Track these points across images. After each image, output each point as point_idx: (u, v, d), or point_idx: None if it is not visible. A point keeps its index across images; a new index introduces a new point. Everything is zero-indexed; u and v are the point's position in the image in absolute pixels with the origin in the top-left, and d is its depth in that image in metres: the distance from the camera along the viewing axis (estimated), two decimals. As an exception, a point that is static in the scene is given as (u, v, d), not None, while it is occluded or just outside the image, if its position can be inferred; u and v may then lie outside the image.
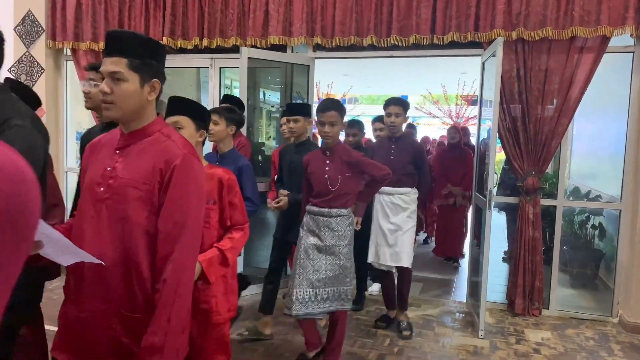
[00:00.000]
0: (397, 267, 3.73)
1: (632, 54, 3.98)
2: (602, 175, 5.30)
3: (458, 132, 5.90)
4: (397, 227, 3.64)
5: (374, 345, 3.49)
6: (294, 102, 4.68)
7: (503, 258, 5.82)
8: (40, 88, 5.28)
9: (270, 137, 5.44)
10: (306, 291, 2.83)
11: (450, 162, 5.82)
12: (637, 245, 3.90)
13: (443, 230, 6.06)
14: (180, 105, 2.14)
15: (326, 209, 2.90)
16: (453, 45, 4.22)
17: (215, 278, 2.06)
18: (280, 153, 3.77)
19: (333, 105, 3.02)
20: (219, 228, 2.15)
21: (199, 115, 2.15)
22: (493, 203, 3.75)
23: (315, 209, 2.94)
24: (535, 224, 4.11)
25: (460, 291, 4.83)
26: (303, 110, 3.60)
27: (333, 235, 2.90)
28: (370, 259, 3.74)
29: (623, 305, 4.06)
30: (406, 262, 3.64)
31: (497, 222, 5.37)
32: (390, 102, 3.72)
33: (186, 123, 2.10)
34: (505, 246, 5.90)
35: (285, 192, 3.46)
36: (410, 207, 3.68)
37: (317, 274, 2.86)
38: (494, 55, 3.67)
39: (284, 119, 3.83)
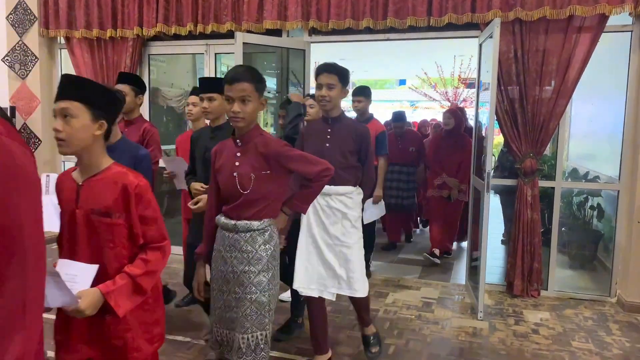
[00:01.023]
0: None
1: (630, 33, 3.95)
2: (601, 156, 5.30)
3: (453, 117, 5.15)
4: (338, 241, 2.76)
5: (373, 329, 3.51)
6: (206, 77, 4.20)
7: (502, 240, 5.85)
8: (34, 77, 5.25)
9: (267, 124, 5.42)
10: (222, 332, 2.16)
11: (446, 150, 5.16)
12: (635, 226, 3.91)
13: (432, 223, 5.46)
14: (72, 87, 1.67)
15: (232, 221, 2.11)
16: (450, 27, 4.18)
17: (125, 311, 1.68)
18: (191, 139, 3.02)
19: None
20: (130, 247, 1.74)
21: (98, 101, 1.68)
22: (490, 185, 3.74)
23: (222, 220, 2.15)
24: (534, 206, 4.11)
25: (459, 274, 4.85)
26: (220, 86, 2.61)
27: (241, 259, 2.09)
28: (297, 284, 2.76)
29: (621, 285, 4.08)
30: (361, 290, 2.79)
31: (492, 205, 5.37)
32: (321, 69, 2.74)
33: (78, 111, 1.64)
34: (501, 229, 5.93)
35: (200, 185, 2.81)
36: (353, 212, 2.79)
37: (229, 311, 2.12)
38: (491, 37, 3.64)
39: (193, 98, 3.43)
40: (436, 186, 5.22)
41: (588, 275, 4.84)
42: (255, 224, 2.10)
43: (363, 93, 4.50)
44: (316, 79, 2.76)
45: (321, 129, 2.86)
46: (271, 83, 5.21)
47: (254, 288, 2.08)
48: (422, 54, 7.80)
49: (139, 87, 3.45)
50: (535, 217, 4.12)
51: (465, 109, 7.40)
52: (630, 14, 3.82)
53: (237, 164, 2.12)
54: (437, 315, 3.79)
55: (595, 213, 5.00)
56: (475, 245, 4.07)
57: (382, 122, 6.32)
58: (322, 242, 2.77)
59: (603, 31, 3.86)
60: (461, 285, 4.50)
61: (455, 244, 5.72)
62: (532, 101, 4.02)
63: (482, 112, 4.30)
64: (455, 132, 5.16)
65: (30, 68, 5.24)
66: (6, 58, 5.25)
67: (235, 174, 2.11)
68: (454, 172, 5.11)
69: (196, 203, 2.75)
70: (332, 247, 2.76)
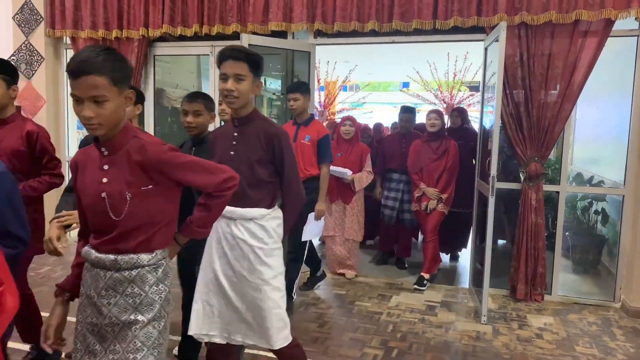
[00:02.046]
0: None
1: (636, 37, 3.95)
2: (605, 161, 5.28)
3: (441, 118, 4.58)
4: (245, 280, 2.13)
5: (377, 331, 3.51)
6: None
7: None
8: (40, 77, 5.27)
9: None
10: None
11: (428, 156, 4.53)
12: (640, 231, 3.90)
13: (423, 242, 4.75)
14: None
15: (110, 256, 1.56)
16: (455, 30, 4.18)
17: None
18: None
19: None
20: None
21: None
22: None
23: (94, 254, 1.59)
24: (538, 210, 4.10)
25: (463, 277, 4.84)
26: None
27: (125, 305, 1.56)
28: (194, 329, 2.21)
29: (625, 290, 4.06)
30: (278, 340, 2.16)
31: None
32: (225, 55, 2.09)
33: None
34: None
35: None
36: (264, 243, 2.14)
37: None
38: (496, 40, 3.63)
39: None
40: (416, 199, 4.60)
41: (592, 280, 4.82)
42: (144, 257, 1.58)
43: (299, 89, 3.84)
44: (219, 67, 2.12)
45: (227, 134, 2.23)
46: (276, 84, 5.22)
47: (139, 344, 1.54)
48: (420, 56, 7.78)
49: (10, 75, 2.55)
50: (539, 222, 4.11)
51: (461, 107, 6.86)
52: (636, 18, 3.81)
53: (103, 180, 1.55)
54: (441, 319, 3.78)
55: (599, 218, 4.98)
56: (479, 250, 4.06)
57: (389, 124, 6.18)
58: (225, 278, 2.16)
59: (609, 36, 3.86)
60: (465, 288, 4.49)
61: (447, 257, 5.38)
62: (537, 105, 4.01)
63: (486, 114, 4.30)
64: (440, 134, 4.54)
65: (36, 68, 5.26)
66: (12, 58, 5.27)
67: (103, 194, 1.54)
68: (435, 180, 4.49)
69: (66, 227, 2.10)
70: (237, 287, 2.15)
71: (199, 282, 2.22)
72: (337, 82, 10.01)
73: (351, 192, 4.55)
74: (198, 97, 2.71)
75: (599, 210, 4.97)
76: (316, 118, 4.14)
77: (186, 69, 6.87)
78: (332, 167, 4.18)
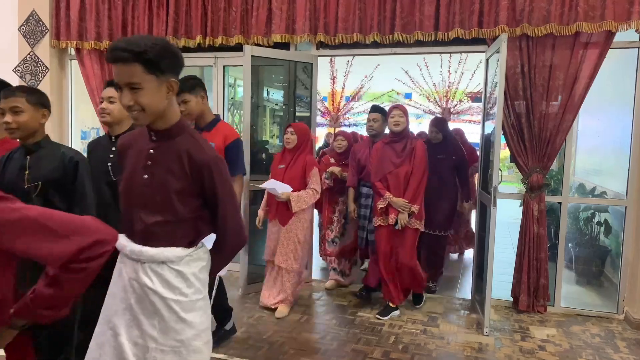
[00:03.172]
0: None
1: (637, 49, 3.96)
2: (608, 172, 5.28)
3: (405, 117, 3.91)
4: (154, 343, 1.63)
5: (378, 343, 3.49)
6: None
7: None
8: (44, 87, 5.30)
9: (274, 135, 5.44)
10: None
11: (391, 160, 3.89)
12: (642, 242, 3.88)
13: (380, 266, 3.97)
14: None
15: None
16: (456, 41, 4.20)
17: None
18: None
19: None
20: None
21: None
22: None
23: None
24: (540, 221, 4.09)
25: (465, 288, 4.83)
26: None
27: None
28: None
29: (629, 302, 4.04)
30: None
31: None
32: (114, 52, 1.53)
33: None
34: (505, 243, 5.89)
35: None
36: (186, 293, 1.67)
37: None
38: (497, 52, 3.65)
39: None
40: (379, 211, 3.90)
41: (595, 291, 4.80)
42: None
43: (186, 88, 3.05)
44: (110, 60, 1.56)
45: (141, 146, 1.70)
46: (279, 96, 5.25)
47: None
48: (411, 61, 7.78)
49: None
50: (541, 232, 4.10)
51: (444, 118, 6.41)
52: (636, 30, 3.83)
53: None
54: (443, 330, 3.77)
55: (602, 229, 4.97)
56: (481, 260, 4.05)
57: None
58: (129, 341, 1.63)
59: (610, 47, 3.87)
60: (467, 299, 4.47)
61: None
62: (538, 116, 4.02)
63: (488, 125, 4.31)
64: (404, 134, 3.93)
65: (41, 78, 5.30)
66: (17, 68, 5.32)
67: None
68: (402, 188, 3.84)
69: None
70: (143, 353, 1.62)
71: (92, 342, 1.68)
72: (341, 93, 10.01)
73: (289, 212, 3.85)
74: (16, 90, 2.27)
75: (602, 221, 4.96)
76: (222, 120, 3.34)
77: (189, 79, 6.90)
78: (271, 181, 3.85)
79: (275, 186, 3.79)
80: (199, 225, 1.70)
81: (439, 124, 4.81)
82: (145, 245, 1.63)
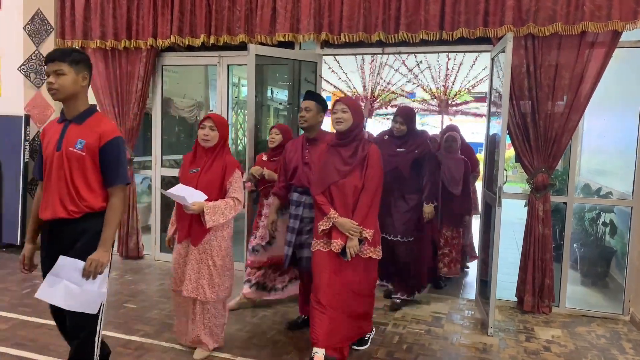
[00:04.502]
0: None
1: (644, 48, 3.94)
2: (613, 172, 5.26)
3: (350, 110, 3.06)
4: None
5: (382, 343, 3.48)
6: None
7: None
8: (49, 86, 5.32)
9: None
10: None
11: (333, 168, 3.08)
12: (648, 243, 3.86)
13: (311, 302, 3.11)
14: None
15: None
16: (461, 40, 4.19)
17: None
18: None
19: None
20: None
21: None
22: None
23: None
24: (545, 221, 4.08)
25: (470, 289, 4.81)
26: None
27: None
28: None
29: (634, 303, 4.02)
30: None
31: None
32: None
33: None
34: (509, 244, 5.87)
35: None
36: None
37: None
38: (503, 51, 3.64)
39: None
40: (321, 233, 3.03)
41: (600, 292, 4.78)
42: None
43: (58, 56, 2.32)
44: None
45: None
46: (283, 95, 5.25)
47: None
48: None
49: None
50: (546, 233, 4.08)
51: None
52: (643, 30, 3.81)
53: None
54: (447, 331, 3.75)
55: (607, 229, 4.95)
56: (486, 260, 4.04)
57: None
58: None
59: (616, 47, 3.85)
60: (471, 300, 4.46)
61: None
62: (544, 116, 4.01)
63: (493, 125, 4.29)
64: (353, 137, 3.05)
65: (45, 77, 5.31)
66: (22, 67, 5.34)
67: None
68: (350, 205, 2.99)
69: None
70: None
71: None
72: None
73: (203, 228, 2.97)
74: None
75: (607, 221, 4.94)
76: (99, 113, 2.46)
77: (194, 79, 6.93)
78: (179, 186, 3.00)
79: (184, 193, 2.91)
80: None
81: (404, 114, 4.00)
82: None
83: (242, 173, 3.20)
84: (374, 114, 6.51)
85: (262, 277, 3.96)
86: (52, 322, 2.50)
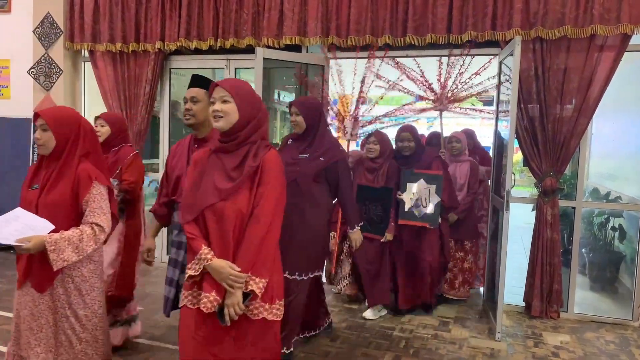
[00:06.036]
0: None
1: (653, 52, 3.91)
2: (622, 176, 5.21)
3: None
4: None
5: (389, 347, 3.47)
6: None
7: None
8: (58, 89, 5.36)
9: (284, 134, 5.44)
10: None
11: (214, 186, 2.16)
12: (659, 248, 3.82)
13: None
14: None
15: None
16: (469, 44, 4.17)
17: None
18: None
19: None
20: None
21: None
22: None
23: None
24: (554, 226, 4.04)
25: (477, 293, 4.78)
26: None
27: None
28: None
29: (644, 309, 3.98)
30: None
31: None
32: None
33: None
34: (516, 249, 5.83)
35: None
36: None
37: None
38: (511, 55, 3.62)
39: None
40: (190, 282, 2.06)
41: (609, 297, 4.73)
42: None
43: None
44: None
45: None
46: (289, 98, 5.25)
47: None
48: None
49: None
50: (555, 237, 4.05)
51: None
52: (653, 33, 3.78)
53: None
54: (454, 335, 3.73)
55: (616, 234, 4.91)
56: (493, 265, 4.01)
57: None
58: None
59: (626, 50, 3.82)
60: (479, 304, 4.43)
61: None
62: (552, 119, 3.98)
63: (501, 129, 4.27)
64: (242, 139, 1.99)
65: (55, 80, 5.35)
66: (32, 70, 5.38)
67: None
68: (232, 240, 1.95)
69: None
70: None
71: None
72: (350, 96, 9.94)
73: (49, 270, 2.07)
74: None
75: (616, 226, 4.89)
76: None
77: (201, 81, 6.93)
78: (9, 214, 2.08)
79: (16, 224, 2.04)
80: None
81: (303, 105, 3.09)
82: None
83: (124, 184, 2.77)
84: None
85: None
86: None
